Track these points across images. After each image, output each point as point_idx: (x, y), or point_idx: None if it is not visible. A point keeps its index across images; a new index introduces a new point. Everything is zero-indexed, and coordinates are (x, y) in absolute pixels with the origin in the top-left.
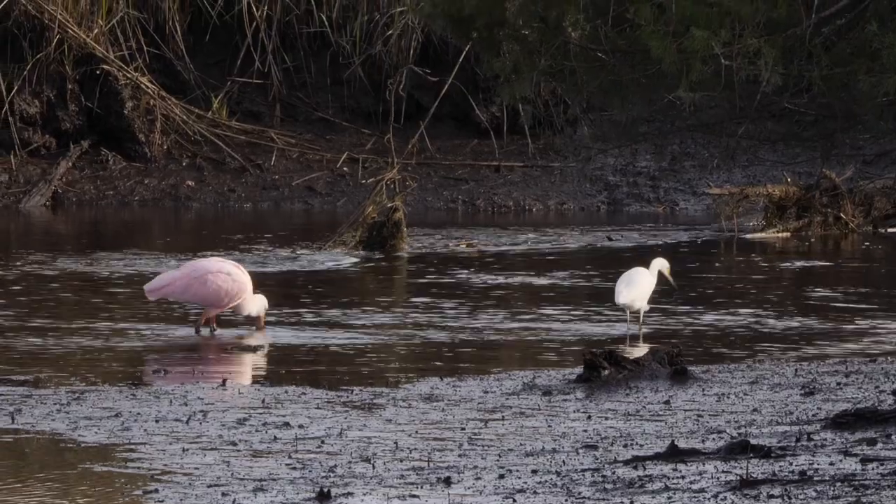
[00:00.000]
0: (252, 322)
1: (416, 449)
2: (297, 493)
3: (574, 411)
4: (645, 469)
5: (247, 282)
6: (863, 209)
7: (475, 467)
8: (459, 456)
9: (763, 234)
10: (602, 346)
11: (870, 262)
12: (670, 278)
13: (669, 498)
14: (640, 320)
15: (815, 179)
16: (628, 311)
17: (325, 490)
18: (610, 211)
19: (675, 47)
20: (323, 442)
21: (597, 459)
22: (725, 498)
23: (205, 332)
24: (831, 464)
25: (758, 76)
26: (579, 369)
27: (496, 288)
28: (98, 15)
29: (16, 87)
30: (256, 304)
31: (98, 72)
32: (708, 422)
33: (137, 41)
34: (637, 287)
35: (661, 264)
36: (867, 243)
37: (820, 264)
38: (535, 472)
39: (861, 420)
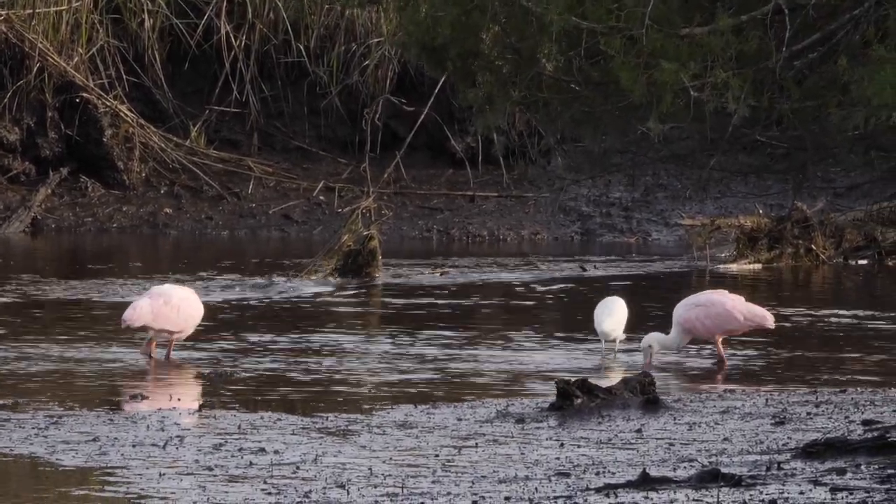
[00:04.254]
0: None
1: (390, 475)
2: None
3: (547, 439)
4: (617, 497)
5: (202, 308)
6: (833, 241)
7: (449, 494)
8: (433, 482)
9: (735, 265)
10: (575, 374)
11: (839, 293)
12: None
13: None
14: (615, 350)
15: (787, 211)
16: (604, 340)
17: None
18: (583, 241)
19: (646, 79)
20: (298, 468)
21: (569, 487)
22: None
23: (158, 356)
24: (801, 493)
25: (728, 108)
26: (552, 398)
27: (470, 316)
28: (78, 43)
29: None
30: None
31: (78, 100)
32: (679, 450)
33: (117, 70)
34: (616, 316)
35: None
36: (841, 274)
37: (789, 295)
38: (507, 498)
39: (831, 450)
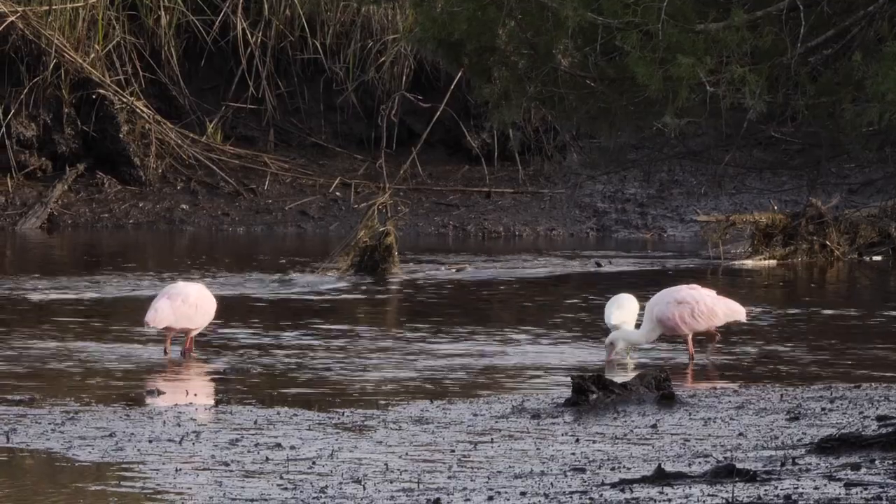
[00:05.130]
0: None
1: (406, 470)
2: None
3: (562, 434)
4: (632, 492)
5: (215, 302)
6: (848, 237)
7: (464, 489)
8: (449, 478)
9: (750, 262)
10: (590, 370)
11: (854, 289)
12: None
13: None
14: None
15: (802, 207)
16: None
17: None
18: (599, 237)
19: (661, 74)
20: (314, 463)
21: (584, 482)
22: None
23: (174, 353)
24: (816, 488)
25: (743, 104)
26: (568, 393)
27: (486, 312)
28: (95, 40)
29: (13, 111)
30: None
31: (94, 96)
32: (694, 446)
33: (133, 66)
34: (627, 310)
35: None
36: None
37: (804, 291)
38: (523, 494)
39: (845, 445)
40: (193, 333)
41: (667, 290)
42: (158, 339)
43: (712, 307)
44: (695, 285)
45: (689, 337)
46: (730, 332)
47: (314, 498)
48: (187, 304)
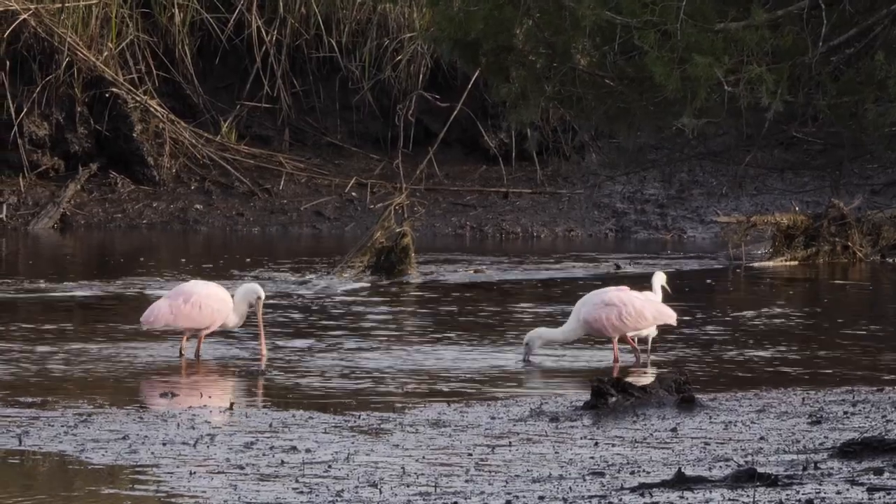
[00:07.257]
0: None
1: (423, 474)
2: None
3: (581, 438)
4: (652, 496)
5: (230, 300)
6: (870, 239)
7: (482, 493)
8: (466, 482)
9: (771, 263)
10: (609, 372)
11: (876, 292)
12: (667, 287)
13: None
14: (648, 347)
15: (823, 208)
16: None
17: None
18: (618, 238)
19: (679, 73)
20: (330, 466)
21: (604, 486)
22: None
23: (188, 354)
24: (838, 493)
25: (762, 103)
26: (586, 396)
27: (504, 314)
28: (108, 38)
29: (25, 110)
30: (236, 317)
31: (107, 95)
32: (715, 449)
33: (147, 64)
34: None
35: (661, 278)
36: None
37: (827, 293)
38: (541, 498)
39: (868, 449)
40: (204, 334)
41: (595, 291)
42: (170, 341)
43: (640, 310)
44: (624, 287)
45: (616, 340)
46: (751, 334)
47: (330, 502)
48: (189, 303)
